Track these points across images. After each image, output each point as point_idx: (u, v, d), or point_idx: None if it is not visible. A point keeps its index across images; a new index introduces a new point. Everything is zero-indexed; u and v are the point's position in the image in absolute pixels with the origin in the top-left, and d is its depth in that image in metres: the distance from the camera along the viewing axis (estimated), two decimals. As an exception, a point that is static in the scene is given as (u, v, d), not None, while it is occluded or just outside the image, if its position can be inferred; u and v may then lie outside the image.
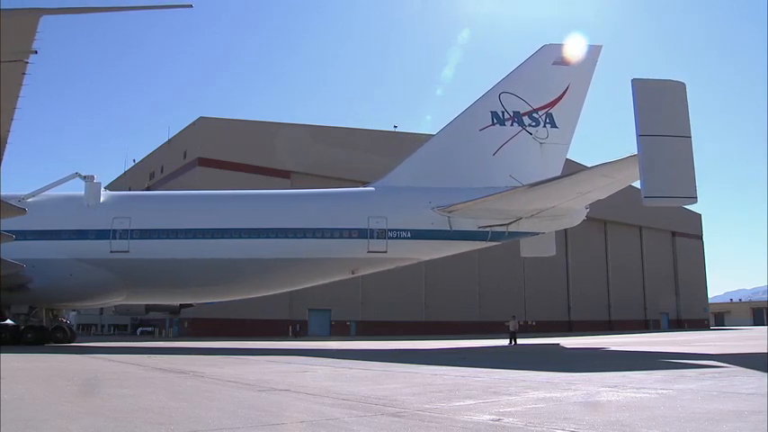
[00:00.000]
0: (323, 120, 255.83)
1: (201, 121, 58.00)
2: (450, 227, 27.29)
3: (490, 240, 28.21)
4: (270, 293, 32.55)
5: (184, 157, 58.73)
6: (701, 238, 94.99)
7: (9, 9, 13.20)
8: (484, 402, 7.36)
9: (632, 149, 19.94)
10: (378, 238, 27.23)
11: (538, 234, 28.78)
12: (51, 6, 13.14)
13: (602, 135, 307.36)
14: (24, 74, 14.31)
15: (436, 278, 59.18)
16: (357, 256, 27.78)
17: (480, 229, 27.51)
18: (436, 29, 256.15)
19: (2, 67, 14.10)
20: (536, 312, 68.26)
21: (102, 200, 28.56)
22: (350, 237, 27.44)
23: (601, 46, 30.49)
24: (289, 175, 56.51)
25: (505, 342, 30.89)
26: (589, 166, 25.40)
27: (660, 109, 19.62)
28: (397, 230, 27.38)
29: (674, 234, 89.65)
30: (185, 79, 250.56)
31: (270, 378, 11.18)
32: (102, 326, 65.80)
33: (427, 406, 7.03)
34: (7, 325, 28.73)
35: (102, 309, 47.29)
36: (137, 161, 72.18)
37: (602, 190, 26.57)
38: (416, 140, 60.60)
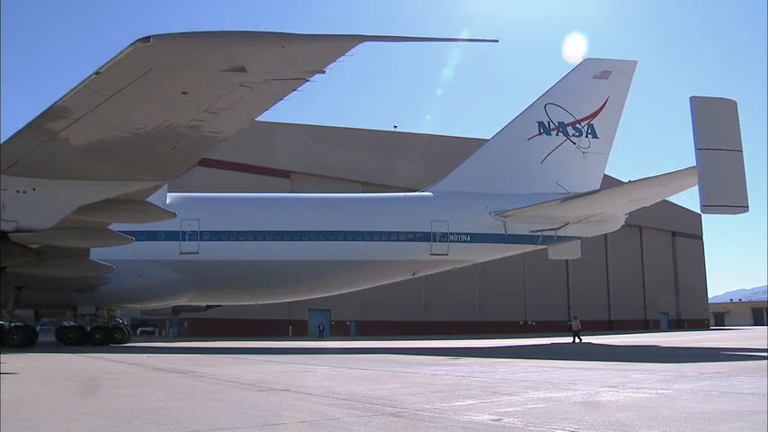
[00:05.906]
0: (323, 120, 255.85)
1: (202, 121, 57.89)
2: (506, 231, 28.58)
3: (540, 244, 29.51)
4: (335, 294, 33.46)
5: (184, 157, 58.59)
6: (701, 238, 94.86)
7: (333, 35, 13.02)
8: (484, 402, 7.36)
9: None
10: (440, 241, 28.35)
11: (581, 238, 30.26)
12: (372, 34, 13.00)
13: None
14: (295, 90, 14.12)
15: (436, 278, 58.70)
16: (420, 259, 28.90)
17: (532, 233, 28.78)
18: (436, 29, 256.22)
19: (282, 82, 13.85)
20: (536, 312, 68.24)
21: (168, 201, 28.75)
22: (414, 240, 28.48)
23: (636, 62, 32.12)
24: (288, 175, 56.47)
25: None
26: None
27: (714, 124, 20.61)
28: (457, 234, 28.54)
29: (674, 234, 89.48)
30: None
31: (270, 378, 11.18)
32: (102, 326, 65.61)
33: (427, 406, 7.04)
34: (75, 326, 28.88)
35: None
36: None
37: (651, 198, 28.79)
38: (416, 140, 61.20)
